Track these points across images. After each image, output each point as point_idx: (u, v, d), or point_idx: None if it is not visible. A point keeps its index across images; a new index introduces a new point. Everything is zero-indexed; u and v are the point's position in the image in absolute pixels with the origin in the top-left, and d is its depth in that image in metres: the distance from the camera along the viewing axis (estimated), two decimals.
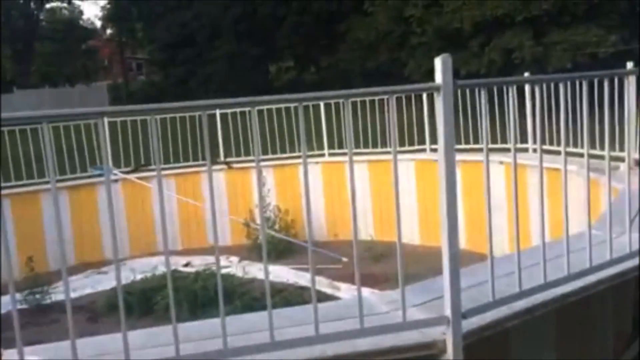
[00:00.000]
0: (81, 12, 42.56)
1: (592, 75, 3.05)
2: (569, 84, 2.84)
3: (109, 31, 42.25)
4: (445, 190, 2.29)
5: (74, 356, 2.12)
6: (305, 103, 2.43)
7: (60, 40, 35.64)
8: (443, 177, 2.30)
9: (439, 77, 2.24)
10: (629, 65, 6.06)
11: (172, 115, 9.70)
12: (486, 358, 2.65)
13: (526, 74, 8.51)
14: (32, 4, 34.94)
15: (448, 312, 2.36)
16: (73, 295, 7.21)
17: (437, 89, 2.25)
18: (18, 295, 7.01)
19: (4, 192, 8.30)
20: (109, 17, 37.96)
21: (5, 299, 7.44)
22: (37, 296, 7.81)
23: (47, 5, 37.12)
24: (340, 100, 7.02)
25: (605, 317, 3.29)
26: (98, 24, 43.12)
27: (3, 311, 7.28)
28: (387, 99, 2.46)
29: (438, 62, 2.24)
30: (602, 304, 3.21)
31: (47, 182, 9.10)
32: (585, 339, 3.19)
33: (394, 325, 2.40)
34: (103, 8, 39.11)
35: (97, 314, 7.50)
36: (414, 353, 2.35)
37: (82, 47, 37.78)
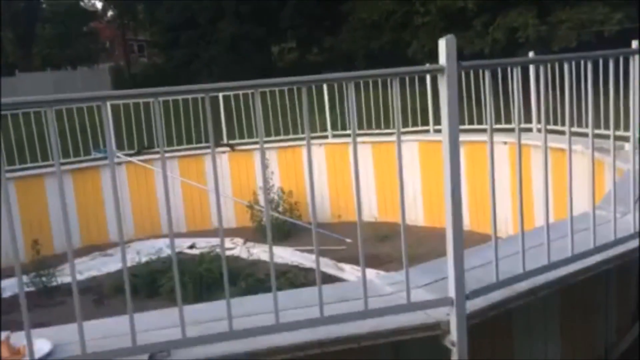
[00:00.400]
0: None
1: (597, 55, 3.03)
2: (573, 63, 2.82)
3: (110, 13, 41.99)
4: (450, 175, 2.29)
5: (81, 338, 2.15)
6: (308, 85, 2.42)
7: (62, 22, 35.44)
8: (447, 161, 2.30)
9: (442, 59, 2.23)
10: (635, 43, 6.00)
11: (174, 97, 9.68)
12: (490, 338, 2.67)
13: (530, 53, 8.44)
14: None
15: (452, 293, 2.37)
16: (79, 277, 7.26)
17: (441, 70, 2.23)
18: (24, 278, 7.07)
19: (8, 175, 8.32)
20: None
21: (12, 281, 7.49)
22: (44, 279, 7.87)
23: None
24: (344, 82, 6.97)
25: (609, 297, 3.31)
26: (99, 5, 42.85)
27: (10, 294, 7.36)
28: (391, 80, 2.44)
29: (442, 44, 2.23)
30: (606, 284, 3.22)
31: (51, 166, 9.12)
32: (589, 319, 3.20)
33: (398, 306, 2.42)
34: None
35: (103, 296, 7.56)
36: (418, 334, 2.37)
37: (84, 30, 37.57)
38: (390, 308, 2.41)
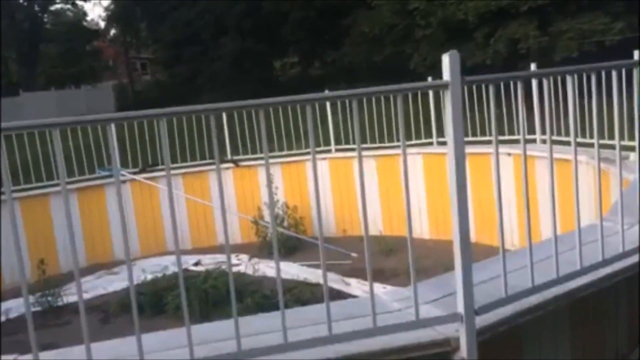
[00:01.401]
0: (85, 14, 42.75)
1: (599, 67, 3.02)
2: (576, 75, 2.82)
3: (113, 31, 42.34)
4: (456, 188, 2.28)
5: (88, 358, 2.13)
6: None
7: (65, 41, 35.74)
8: (453, 176, 2.29)
9: (446, 74, 2.23)
10: (637, 53, 6.01)
11: (178, 116, 9.71)
12: (500, 354, 2.64)
13: (532, 65, 8.45)
14: (36, 7, 35.04)
15: (461, 309, 2.35)
16: (85, 296, 7.26)
17: (446, 86, 2.24)
18: (31, 298, 7.06)
19: (14, 195, 8.35)
20: (113, 17, 38.03)
21: (18, 301, 7.51)
22: (50, 298, 7.86)
23: (51, 7, 37.23)
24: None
25: (618, 309, 3.28)
26: (102, 24, 43.24)
27: (16, 314, 7.34)
28: (395, 95, 2.45)
29: (446, 59, 2.23)
30: (615, 296, 3.20)
31: (57, 185, 9.14)
32: (598, 332, 3.17)
33: (407, 323, 2.40)
34: (107, 8, 39.18)
35: (110, 315, 7.54)
36: (427, 351, 2.35)
37: (87, 48, 37.86)
38: (398, 325, 2.39)
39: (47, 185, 9.60)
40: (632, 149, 5.17)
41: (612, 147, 3.15)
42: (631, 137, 5.38)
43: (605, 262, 2.85)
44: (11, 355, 2.32)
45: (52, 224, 9.50)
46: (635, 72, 3.22)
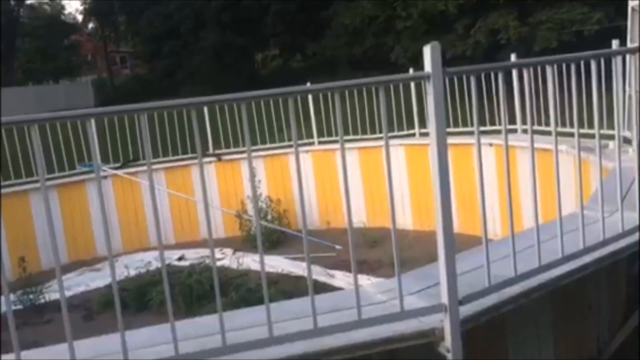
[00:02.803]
0: (62, 7, 42.09)
1: (579, 57, 3.05)
2: (556, 65, 2.84)
3: (91, 25, 41.81)
4: (439, 180, 2.29)
5: (71, 357, 2.11)
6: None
7: (42, 36, 35.21)
8: (436, 167, 2.30)
9: (428, 66, 2.23)
10: (615, 43, 6.07)
11: (159, 111, 9.62)
12: (484, 342, 2.67)
13: (512, 55, 8.50)
14: (11, 1, 34.47)
15: (445, 299, 2.37)
16: (67, 293, 7.19)
17: (427, 77, 2.24)
18: (12, 297, 6.98)
19: None
20: (91, 11, 37.56)
21: None
22: (31, 296, 7.77)
23: (28, 2, 36.68)
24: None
25: (600, 296, 3.32)
26: (80, 18, 42.66)
27: None
28: (376, 87, 2.44)
29: (427, 51, 2.23)
30: (596, 283, 3.24)
31: (36, 182, 9.02)
32: (580, 319, 3.22)
33: (391, 315, 2.41)
34: (84, 2, 38.61)
35: (93, 312, 7.48)
36: (412, 341, 2.36)
37: (65, 43, 37.33)
38: (383, 317, 2.40)
39: (26, 182, 9.47)
40: (611, 137, 5.24)
41: (592, 136, 3.18)
42: (610, 126, 5.45)
43: (586, 250, 2.88)
44: None
45: (32, 220, 9.38)
46: (613, 62, 3.26)
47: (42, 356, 2.34)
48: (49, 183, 9.15)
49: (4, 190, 9.37)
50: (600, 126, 3.18)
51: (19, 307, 7.54)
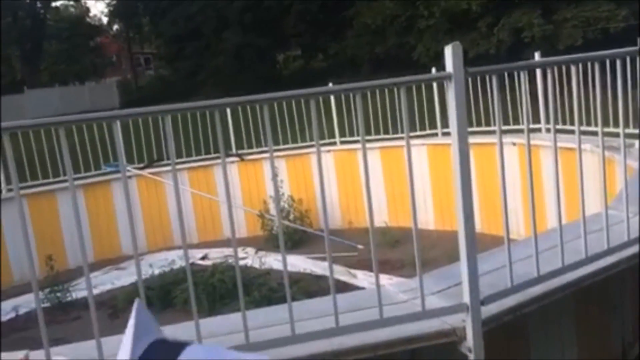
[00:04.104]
0: (87, 9, 42.65)
1: (603, 55, 3.02)
2: (580, 64, 2.82)
3: (115, 27, 42.31)
4: (460, 181, 2.29)
5: (99, 355, 2.16)
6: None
7: (68, 38, 35.73)
8: (457, 167, 2.30)
9: (449, 66, 2.23)
10: None
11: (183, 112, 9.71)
12: (506, 343, 2.66)
13: (536, 54, 8.41)
14: (38, 4, 35.06)
15: (467, 299, 2.37)
16: (93, 291, 7.31)
17: (449, 77, 2.24)
18: (40, 295, 7.11)
19: (21, 192, 8.39)
20: (115, 13, 38.00)
21: (26, 298, 7.53)
22: (58, 294, 7.91)
23: (54, 4, 37.25)
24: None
25: (624, 297, 3.29)
26: (105, 20, 43.19)
27: (26, 310, 7.39)
28: (398, 88, 2.45)
29: (448, 51, 2.23)
30: (620, 284, 3.20)
31: (63, 181, 9.18)
32: (604, 321, 3.19)
33: (413, 314, 2.42)
34: (109, 4, 39.08)
35: (118, 310, 7.59)
36: (434, 341, 2.37)
37: (90, 44, 37.87)
38: (405, 316, 2.41)
39: (53, 182, 9.64)
40: (636, 136, 5.16)
41: (617, 135, 3.14)
42: (635, 126, 5.37)
43: (610, 251, 2.86)
44: (22, 350, 2.34)
45: (59, 220, 9.55)
46: (638, 60, 3.22)
47: (71, 353, 2.40)
48: (75, 183, 9.30)
49: (32, 190, 9.55)
50: (626, 125, 3.14)
51: (47, 305, 7.68)
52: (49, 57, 36.37)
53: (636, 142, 5.61)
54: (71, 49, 35.57)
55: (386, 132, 10.26)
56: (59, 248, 9.32)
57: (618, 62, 2.96)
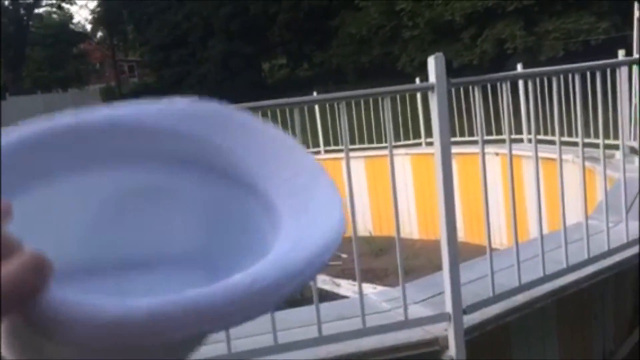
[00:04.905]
0: (71, 16, 42.34)
1: (584, 67, 3.06)
2: (561, 76, 2.86)
3: (99, 34, 42.15)
4: (443, 190, 2.31)
5: None
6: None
7: (51, 45, 35.51)
8: (440, 176, 2.31)
9: (432, 76, 2.26)
10: (621, 53, 6.07)
11: None
12: (488, 352, 2.67)
13: (519, 65, 8.51)
14: (21, 10, 34.81)
15: (449, 308, 2.38)
16: None
17: (432, 88, 2.26)
18: None
19: None
20: (100, 20, 37.87)
21: None
22: None
23: (37, 11, 37.02)
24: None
25: (605, 306, 3.32)
26: (89, 27, 43.01)
27: None
28: (382, 98, 2.47)
29: (431, 62, 2.26)
30: (601, 294, 3.24)
31: None
32: (586, 329, 3.21)
33: (396, 323, 2.42)
34: (93, 11, 39.00)
35: None
36: (417, 350, 2.37)
37: (74, 51, 37.65)
38: (388, 325, 2.41)
39: None
40: (617, 147, 5.23)
41: (598, 145, 3.19)
42: (616, 136, 5.44)
43: (591, 260, 2.89)
44: None
45: None
46: (618, 72, 3.27)
47: None
48: None
49: None
50: (606, 136, 3.19)
51: None
52: (32, 64, 36.10)
53: (616, 152, 5.69)
54: (54, 56, 35.36)
55: (370, 141, 10.30)
56: None
57: (598, 74, 3.01)
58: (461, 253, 2.46)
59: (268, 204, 0.47)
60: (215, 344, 2.31)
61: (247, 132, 0.49)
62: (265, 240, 0.45)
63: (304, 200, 0.48)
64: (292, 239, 0.43)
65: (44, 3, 36.94)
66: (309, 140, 10.51)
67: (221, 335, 2.24)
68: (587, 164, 3.09)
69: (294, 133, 2.27)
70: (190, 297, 0.33)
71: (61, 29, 37.56)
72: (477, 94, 2.51)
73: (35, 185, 0.42)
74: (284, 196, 0.47)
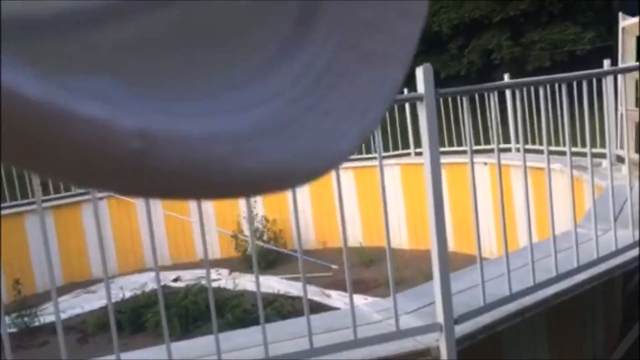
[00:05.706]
0: None
1: (571, 77, 3.09)
2: (548, 86, 2.88)
3: None
4: (433, 200, 2.31)
5: None
6: None
7: None
8: (429, 186, 2.32)
9: (420, 87, 2.27)
10: (606, 63, 6.14)
11: None
12: None
13: (506, 76, 8.59)
14: None
15: (440, 318, 2.37)
16: (62, 316, 7.14)
17: (420, 98, 2.27)
18: (6, 320, 6.93)
19: None
20: None
21: None
22: (26, 319, 7.71)
23: None
24: None
25: (595, 314, 3.33)
26: None
27: None
28: None
29: (419, 72, 2.27)
30: (591, 302, 3.25)
31: (32, 203, 9.01)
32: (576, 337, 3.22)
33: (387, 334, 2.41)
34: None
35: (87, 334, 7.43)
36: None
37: None
38: (379, 336, 2.40)
39: (21, 204, 9.44)
40: (605, 156, 5.28)
41: (585, 154, 3.21)
42: (602, 145, 5.49)
43: (580, 269, 2.90)
44: None
45: (27, 242, 9.34)
46: (604, 82, 3.30)
47: None
48: (44, 205, 9.13)
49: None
50: (593, 145, 3.22)
51: (14, 330, 7.48)
52: None
53: (603, 161, 5.74)
54: None
55: (360, 152, 10.32)
56: (27, 272, 9.11)
57: (584, 84, 3.03)
58: (451, 263, 2.46)
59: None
60: (206, 358, 2.29)
61: None
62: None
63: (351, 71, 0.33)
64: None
65: None
66: None
67: (211, 348, 2.23)
68: (574, 172, 3.10)
69: None
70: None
71: None
72: (466, 104, 2.53)
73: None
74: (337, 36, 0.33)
